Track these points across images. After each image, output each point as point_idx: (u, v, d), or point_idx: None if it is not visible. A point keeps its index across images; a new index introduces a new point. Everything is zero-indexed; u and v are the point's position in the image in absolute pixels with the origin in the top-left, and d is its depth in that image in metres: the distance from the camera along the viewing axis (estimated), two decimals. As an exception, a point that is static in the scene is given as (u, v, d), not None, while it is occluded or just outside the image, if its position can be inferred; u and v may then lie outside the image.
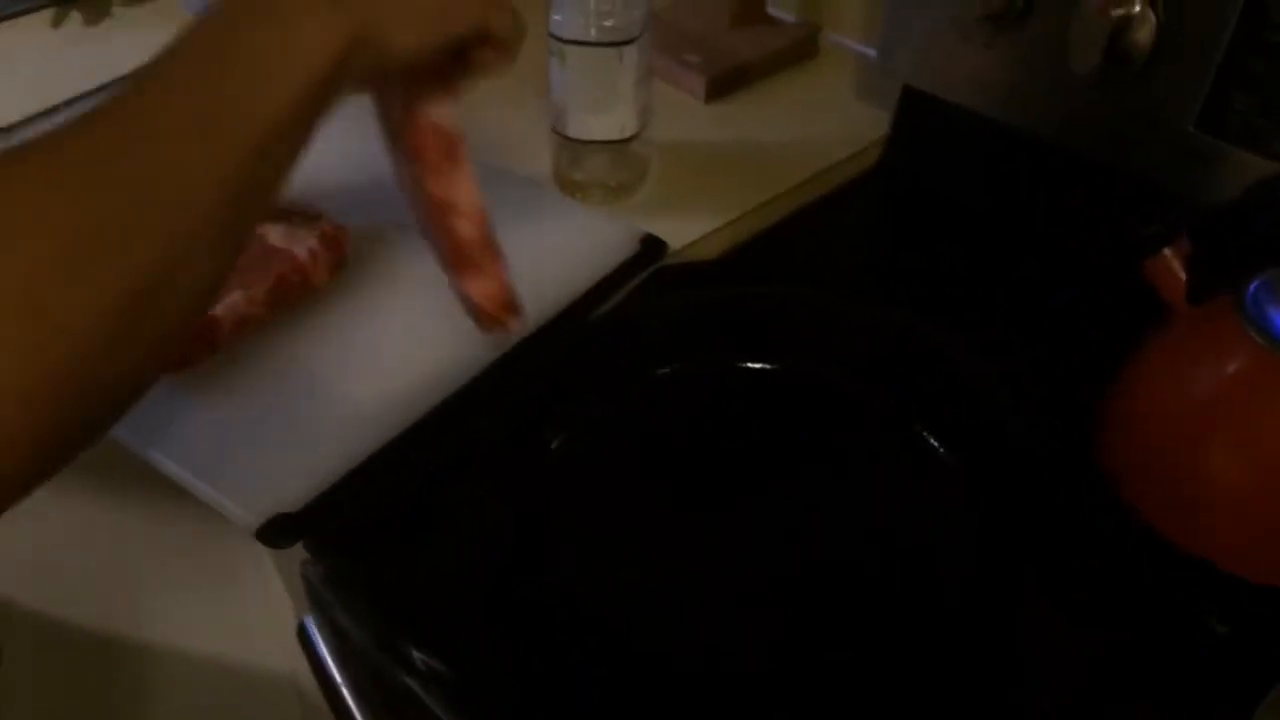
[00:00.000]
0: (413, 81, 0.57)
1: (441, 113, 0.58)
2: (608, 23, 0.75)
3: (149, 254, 0.40)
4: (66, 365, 0.38)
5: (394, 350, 0.69)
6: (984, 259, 0.81)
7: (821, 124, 0.95)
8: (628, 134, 0.81)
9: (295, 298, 0.71)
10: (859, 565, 0.59)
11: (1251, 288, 0.58)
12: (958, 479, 0.63)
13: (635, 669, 0.53)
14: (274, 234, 0.72)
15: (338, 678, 0.63)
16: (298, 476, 0.61)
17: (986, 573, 0.58)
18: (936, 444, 0.64)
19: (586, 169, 0.84)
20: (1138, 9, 0.70)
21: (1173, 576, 0.58)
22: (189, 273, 0.42)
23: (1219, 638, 0.56)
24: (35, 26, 1.08)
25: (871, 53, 0.94)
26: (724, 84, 0.98)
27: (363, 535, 0.60)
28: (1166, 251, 0.61)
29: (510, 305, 0.61)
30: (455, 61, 0.57)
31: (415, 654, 0.55)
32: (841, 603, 0.58)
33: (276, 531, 0.59)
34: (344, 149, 0.86)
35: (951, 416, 0.64)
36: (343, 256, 0.74)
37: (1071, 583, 0.58)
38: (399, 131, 0.60)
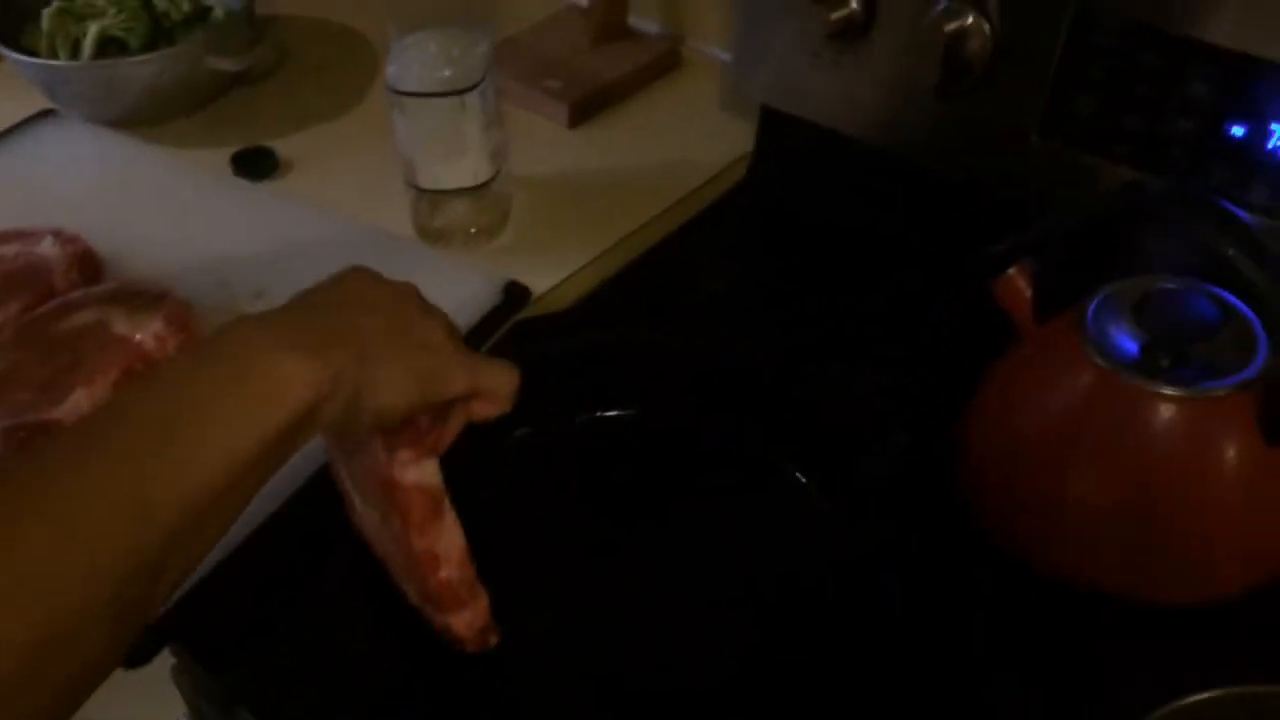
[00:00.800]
0: (390, 434, 0.51)
1: (426, 473, 0.52)
2: (445, 73, 0.74)
3: (49, 615, 0.37)
4: None
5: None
6: (850, 276, 0.80)
7: (688, 141, 0.94)
8: (481, 180, 0.79)
9: (142, 388, 0.69)
10: (739, 604, 0.59)
11: (1092, 305, 0.58)
12: (826, 513, 0.63)
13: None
14: (116, 321, 0.70)
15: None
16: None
17: (857, 599, 0.58)
18: (804, 479, 0.64)
19: (445, 216, 0.82)
20: (971, 20, 0.69)
21: (1027, 597, 0.58)
22: (87, 638, 0.39)
23: (1078, 658, 0.56)
24: None
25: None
26: (587, 107, 0.96)
27: (228, 636, 0.58)
28: (1011, 270, 0.61)
29: (491, 626, 0.56)
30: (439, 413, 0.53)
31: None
32: (723, 640, 0.58)
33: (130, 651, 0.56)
34: (184, 221, 0.84)
35: (816, 451, 0.64)
36: (191, 337, 0.72)
37: (936, 608, 0.58)
38: (366, 480, 0.55)
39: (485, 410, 0.54)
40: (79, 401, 0.65)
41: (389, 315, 0.50)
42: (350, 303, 0.50)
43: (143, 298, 0.71)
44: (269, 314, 0.48)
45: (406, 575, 0.56)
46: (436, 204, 0.82)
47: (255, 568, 0.60)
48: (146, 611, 0.42)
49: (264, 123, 0.96)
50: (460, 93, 0.74)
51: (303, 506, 0.63)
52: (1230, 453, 0.55)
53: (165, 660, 0.59)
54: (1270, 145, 0.61)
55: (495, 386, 0.53)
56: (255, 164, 0.90)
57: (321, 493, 0.63)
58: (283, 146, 0.93)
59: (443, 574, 0.54)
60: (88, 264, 0.78)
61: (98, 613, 0.39)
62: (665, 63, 1.02)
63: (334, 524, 0.60)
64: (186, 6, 0.98)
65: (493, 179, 0.80)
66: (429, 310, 0.53)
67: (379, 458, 0.52)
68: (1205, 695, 0.44)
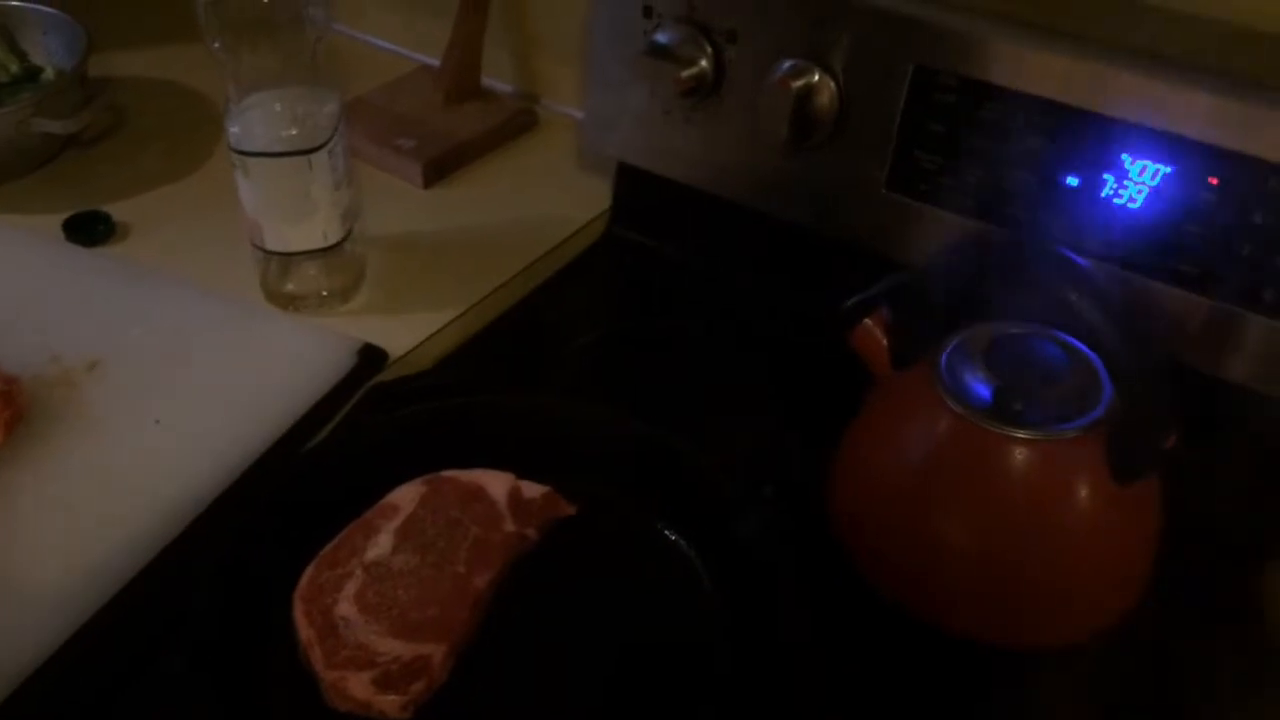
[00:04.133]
0: None
1: None
2: (291, 131, 0.71)
3: None
4: None
5: (84, 515, 0.63)
6: (712, 328, 0.81)
7: (546, 199, 0.94)
8: (332, 241, 0.77)
9: (-37, 469, 0.64)
10: (617, 672, 0.57)
11: (945, 352, 0.59)
12: (700, 571, 0.62)
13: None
14: (-67, 399, 0.65)
15: None
16: (-30, 683, 0.54)
17: (740, 656, 0.57)
18: (676, 538, 0.63)
19: (296, 280, 0.79)
20: (817, 78, 0.71)
21: (904, 643, 0.59)
22: None
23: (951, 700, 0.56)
24: None
25: (590, 121, 0.93)
26: (442, 166, 0.95)
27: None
28: (867, 321, 0.62)
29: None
30: None
31: None
32: (605, 711, 0.56)
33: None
34: (10, 289, 0.79)
35: (688, 513, 0.63)
36: (17, 413, 0.67)
37: (818, 662, 0.58)
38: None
39: None
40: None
41: None
42: None
43: (-37, 373, 0.67)
44: None
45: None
46: (286, 267, 0.79)
47: (97, 652, 0.56)
48: None
49: (99, 186, 0.92)
50: (307, 152, 0.72)
51: (145, 586, 0.59)
52: (1082, 492, 0.56)
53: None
54: (1103, 194, 0.64)
55: None
56: (88, 229, 0.86)
57: (164, 567, 0.60)
58: (119, 211, 0.88)
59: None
60: (-98, 338, 0.72)
61: None
62: (520, 121, 1.01)
63: (178, 604, 0.56)
64: (15, 67, 0.93)
65: (345, 239, 0.78)
66: None
67: None
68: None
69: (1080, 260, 0.55)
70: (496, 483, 0.63)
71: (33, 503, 0.64)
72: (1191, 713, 0.49)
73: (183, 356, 0.74)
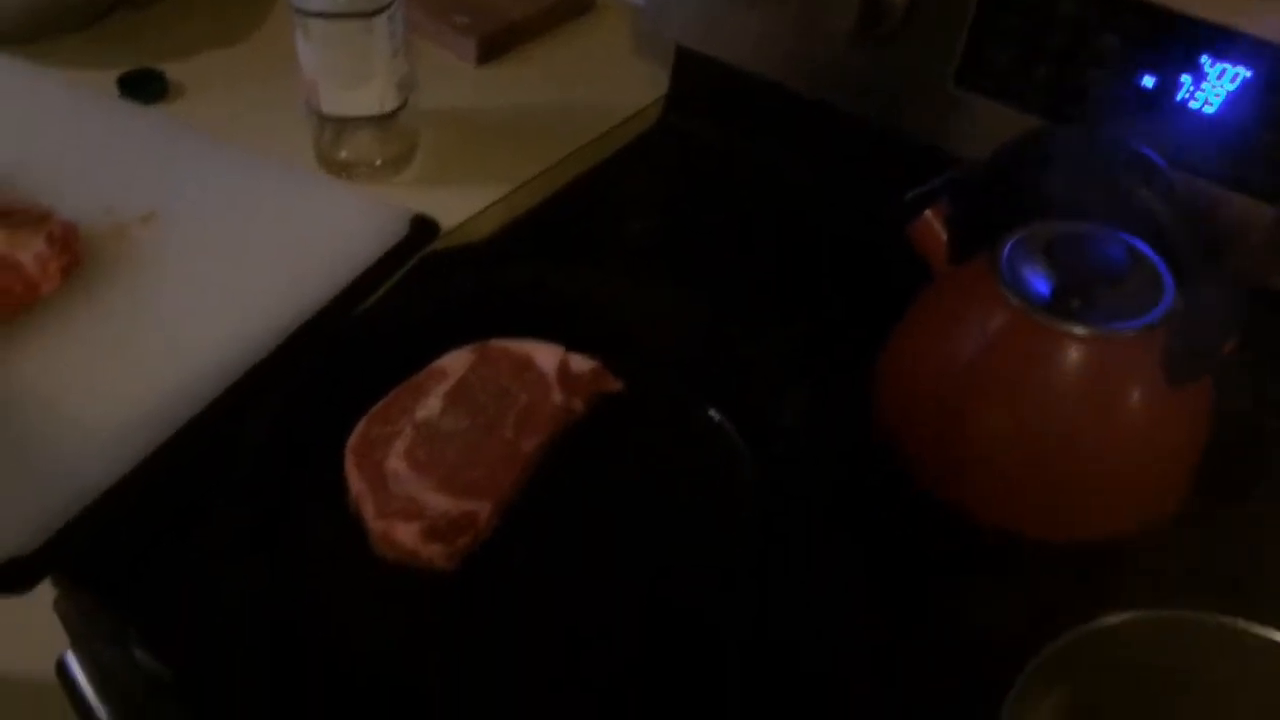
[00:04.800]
0: None
1: None
2: (353, -7, 0.71)
3: None
4: None
5: (136, 363, 0.64)
6: (766, 219, 0.80)
7: (601, 83, 0.93)
8: (388, 108, 0.76)
9: (22, 310, 0.65)
10: (655, 544, 0.58)
11: (1006, 248, 0.59)
12: (743, 454, 0.62)
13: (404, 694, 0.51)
14: (-6, 240, 0.66)
15: (101, 714, 0.59)
16: (30, 513, 0.55)
17: (778, 545, 0.58)
18: (720, 420, 0.64)
19: (350, 147, 0.79)
20: (891, -35, 0.69)
21: (944, 536, 0.59)
22: None
23: (986, 594, 0.57)
24: None
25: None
26: (496, 45, 0.94)
27: (115, 567, 0.55)
28: (928, 213, 0.62)
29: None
30: None
31: (174, 683, 0.51)
32: (644, 580, 0.56)
33: (9, 578, 0.53)
34: (67, 142, 0.79)
35: (734, 396, 0.64)
36: (74, 259, 0.68)
37: (853, 549, 0.59)
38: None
39: None
40: (-48, 323, 0.61)
41: None
42: None
43: (24, 217, 0.67)
44: None
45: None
46: (340, 133, 0.79)
47: (144, 494, 0.57)
48: None
49: (153, 45, 0.91)
50: (368, 15, 0.71)
51: (195, 435, 0.60)
52: (1134, 392, 0.56)
53: (47, 592, 0.56)
54: (1179, 97, 0.63)
55: None
56: (143, 86, 0.85)
57: (215, 418, 0.61)
58: (173, 70, 0.88)
59: None
60: (-38, 183, 0.72)
61: None
62: (576, 6, 1.00)
63: (225, 450, 0.57)
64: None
65: (399, 109, 0.77)
66: None
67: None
68: (1113, 620, 0.45)
69: (1155, 157, 0.54)
70: (546, 354, 0.64)
71: (89, 346, 0.65)
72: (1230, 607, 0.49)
73: (236, 216, 0.74)
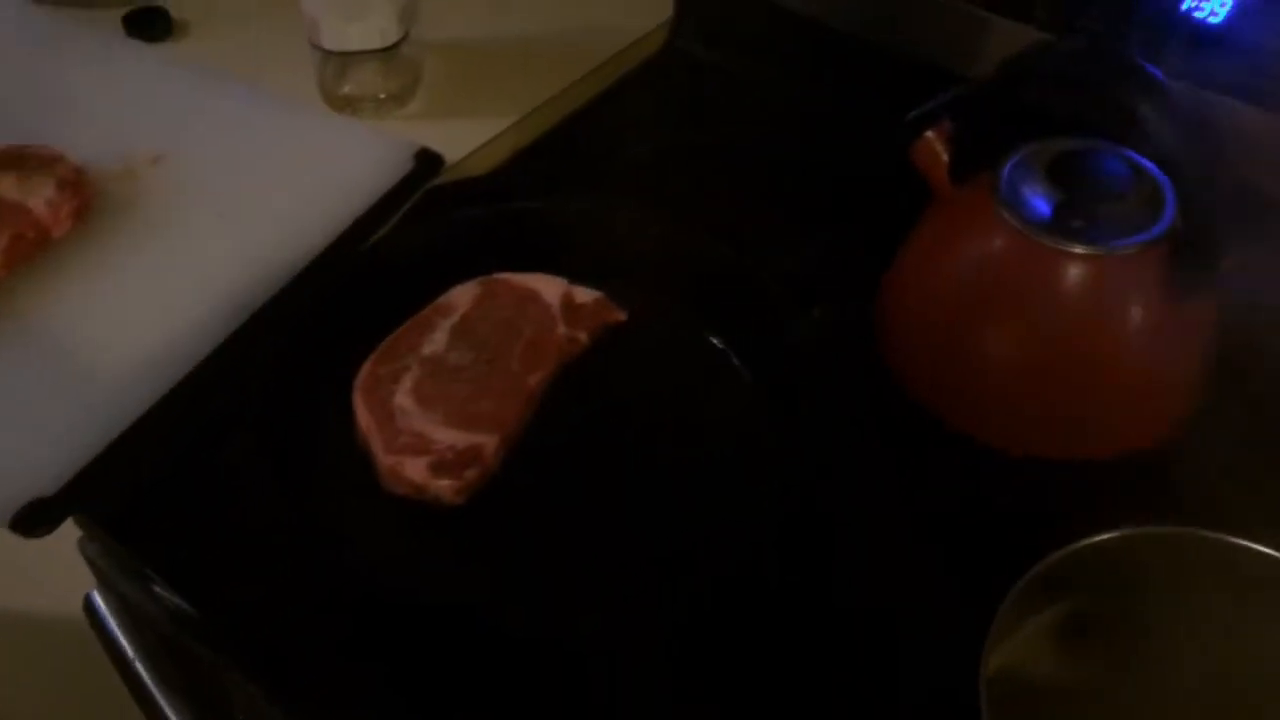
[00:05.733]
0: None
1: None
2: (349, -77, 0.70)
3: None
4: None
5: (148, 304, 0.65)
6: (771, 144, 0.79)
7: (606, 7, 0.91)
8: (390, 40, 0.76)
9: (34, 254, 0.66)
10: (664, 472, 0.59)
11: (1006, 167, 0.58)
12: (747, 380, 0.63)
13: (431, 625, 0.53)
14: (5, 186, 0.67)
15: (128, 651, 0.61)
16: (50, 454, 0.57)
17: (784, 469, 0.58)
18: (724, 347, 0.64)
19: (353, 81, 0.79)
20: (893, -123, 0.68)
21: (944, 454, 0.59)
22: None
23: (983, 510, 0.57)
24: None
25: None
26: (501, -30, 0.93)
27: (134, 506, 0.57)
28: (929, 134, 0.61)
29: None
30: None
31: (198, 620, 0.53)
32: (652, 511, 0.57)
33: (32, 519, 0.55)
34: (74, 83, 0.80)
35: (739, 322, 0.64)
36: (85, 202, 0.69)
37: (861, 469, 0.59)
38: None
39: None
40: (-33, 269, 0.62)
41: None
42: None
43: (33, 161, 0.68)
44: None
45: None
46: (344, 68, 0.78)
47: (161, 435, 0.59)
48: None
49: (157, -18, 0.91)
50: (366, -54, 0.71)
51: (208, 373, 0.61)
52: (1138, 309, 0.56)
53: (71, 532, 0.58)
54: (1184, 7, 0.62)
55: None
56: (149, 25, 0.85)
57: (229, 356, 0.62)
58: (178, 7, 0.88)
59: None
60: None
61: None
62: (581, -74, 0.98)
63: (240, 391, 0.58)
64: None
65: (402, 40, 0.77)
66: None
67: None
68: (1113, 534, 0.46)
69: (1155, 71, 0.53)
70: (550, 286, 0.64)
71: (101, 290, 0.66)
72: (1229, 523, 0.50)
73: (243, 155, 0.75)
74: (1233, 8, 0.60)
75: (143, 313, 0.64)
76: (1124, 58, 0.55)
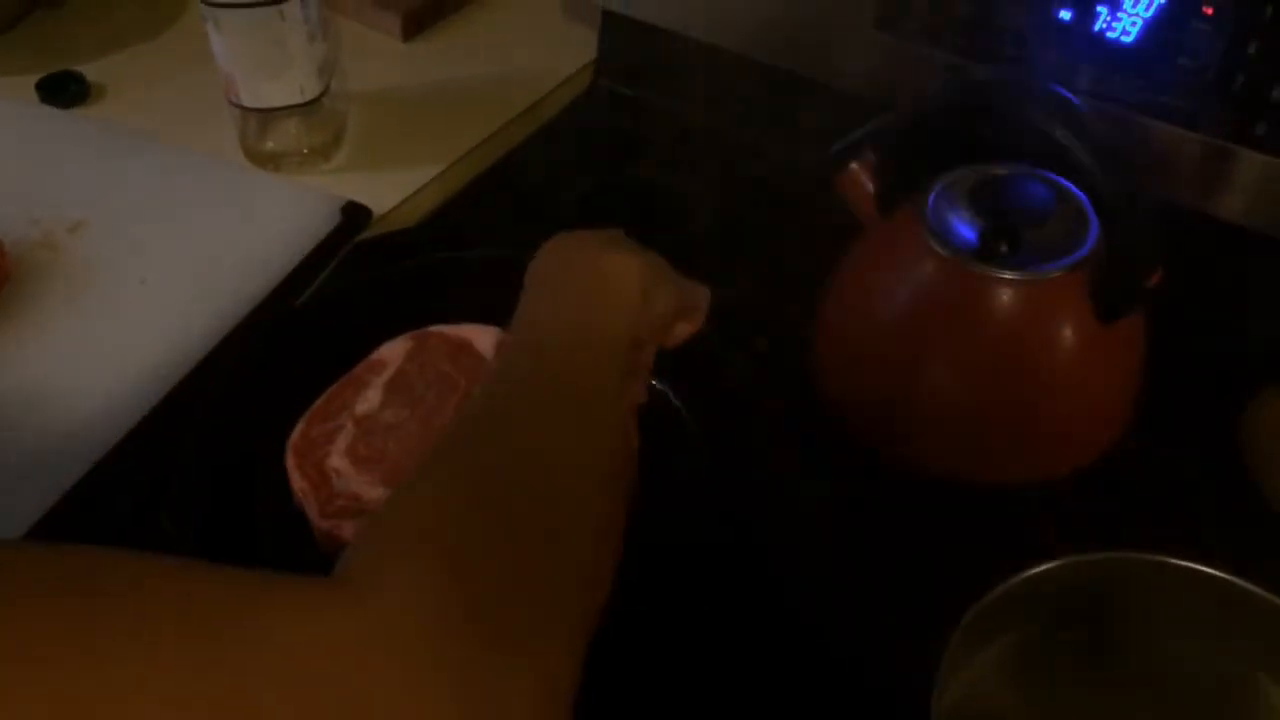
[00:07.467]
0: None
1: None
2: (261, -20, 0.69)
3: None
4: None
5: (68, 378, 0.63)
6: (700, 179, 0.79)
7: (530, 51, 0.92)
8: (310, 95, 0.75)
9: (-48, 332, 0.64)
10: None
11: (931, 195, 0.58)
12: (687, 421, 0.62)
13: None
14: (-83, 263, 0.65)
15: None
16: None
17: (723, 507, 0.58)
18: (663, 388, 0.64)
19: (276, 137, 0.78)
20: (805, -87, 0.68)
21: (883, 485, 0.59)
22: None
23: (925, 543, 0.57)
24: None
25: (572, -31, 0.90)
26: (422, 18, 0.93)
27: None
28: (854, 166, 0.61)
29: None
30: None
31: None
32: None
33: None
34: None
35: (673, 361, 0.63)
36: (2, 273, 0.67)
37: (799, 504, 0.59)
38: None
39: (687, 329, 0.55)
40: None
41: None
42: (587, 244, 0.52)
43: (-54, 236, 0.66)
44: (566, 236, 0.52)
45: None
46: (265, 124, 0.77)
47: (86, 506, 0.57)
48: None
49: (72, 46, 0.89)
50: (277, 1, 0.70)
51: (132, 447, 0.60)
52: (1067, 331, 0.56)
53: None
54: (1096, 27, 0.62)
55: (699, 302, 0.55)
56: (63, 89, 0.84)
57: (157, 425, 0.61)
58: (93, 71, 0.87)
59: None
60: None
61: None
62: (501, -30, 0.98)
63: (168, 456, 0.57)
64: (-26, -78, 0.90)
65: (322, 95, 0.76)
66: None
67: None
68: (1048, 565, 0.46)
69: (1069, 96, 0.53)
70: (483, 336, 0.64)
71: (22, 362, 0.64)
72: (1169, 544, 0.50)
73: (166, 217, 0.73)
74: (1143, 27, 0.61)
75: (65, 385, 0.63)
76: (1036, 84, 0.55)
